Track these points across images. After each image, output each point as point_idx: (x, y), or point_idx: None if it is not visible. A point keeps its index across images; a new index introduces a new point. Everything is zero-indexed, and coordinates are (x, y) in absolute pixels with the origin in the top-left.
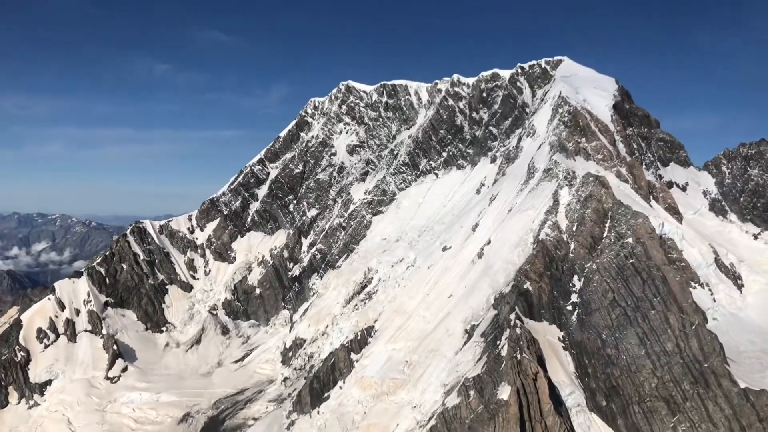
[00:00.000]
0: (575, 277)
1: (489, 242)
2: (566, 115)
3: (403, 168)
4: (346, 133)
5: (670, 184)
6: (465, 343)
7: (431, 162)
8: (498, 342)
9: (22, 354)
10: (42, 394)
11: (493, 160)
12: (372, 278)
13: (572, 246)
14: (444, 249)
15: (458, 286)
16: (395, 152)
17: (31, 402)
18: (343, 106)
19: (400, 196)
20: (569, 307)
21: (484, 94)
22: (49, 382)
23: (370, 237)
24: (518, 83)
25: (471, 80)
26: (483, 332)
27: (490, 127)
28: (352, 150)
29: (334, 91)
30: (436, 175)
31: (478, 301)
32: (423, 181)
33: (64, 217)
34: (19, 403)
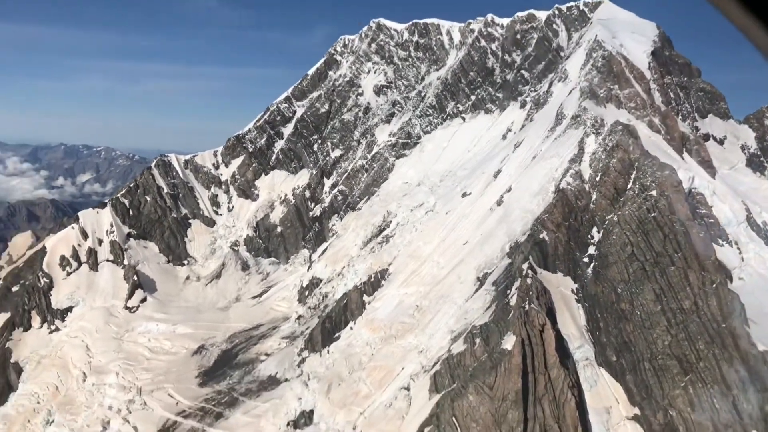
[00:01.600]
0: (594, 229)
1: (509, 190)
2: (600, 60)
3: (430, 110)
4: (374, 72)
5: (706, 137)
6: (476, 290)
7: (459, 105)
8: (508, 291)
9: (45, 280)
10: (63, 319)
11: (523, 105)
12: (390, 222)
13: (594, 197)
14: (464, 195)
15: (474, 233)
16: (422, 94)
17: (53, 327)
18: (373, 45)
19: (425, 140)
20: (585, 260)
21: (518, 36)
22: (70, 309)
23: (391, 180)
24: (554, 25)
25: (505, 21)
26: (495, 281)
27: (522, 71)
28: (379, 90)
29: (365, 28)
30: (463, 119)
31: (493, 249)
32: (449, 125)
33: (109, 150)
34: (41, 327)
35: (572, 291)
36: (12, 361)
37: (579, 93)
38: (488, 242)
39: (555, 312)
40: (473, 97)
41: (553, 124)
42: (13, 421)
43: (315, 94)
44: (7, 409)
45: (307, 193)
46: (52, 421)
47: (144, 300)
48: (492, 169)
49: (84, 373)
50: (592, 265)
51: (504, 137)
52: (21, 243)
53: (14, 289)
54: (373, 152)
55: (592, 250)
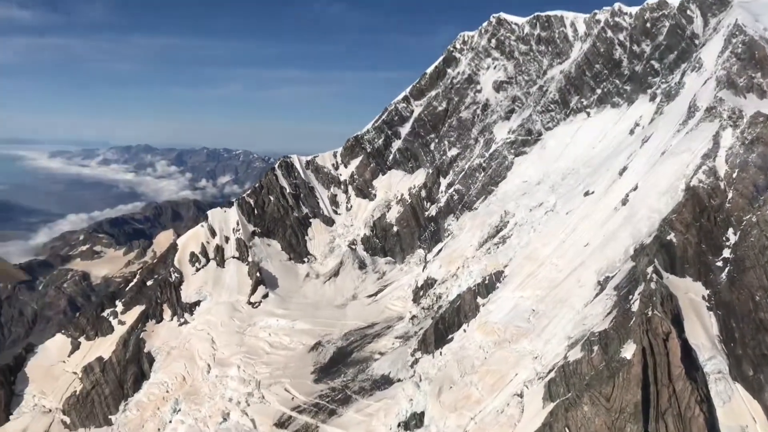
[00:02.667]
0: (730, 231)
1: (636, 188)
2: (740, 45)
3: (552, 106)
4: (494, 68)
5: None
6: (596, 295)
7: (583, 99)
8: (630, 297)
9: (176, 275)
10: (191, 313)
11: (653, 98)
12: (508, 222)
13: (730, 195)
14: (586, 194)
15: (596, 234)
16: (544, 89)
17: (182, 320)
18: (493, 40)
19: (546, 136)
20: (719, 264)
21: (648, 25)
22: (198, 303)
23: (510, 179)
24: (688, 11)
25: (634, 9)
26: (617, 285)
27: (652, 62)
28: (498, 86)
29: (485, 24)
30: (588, 113)
31: (616, 252)
32: (572, 120)
33: (247, 153)
34: (171, 319)
35: (703, 298)
36: (145, 351)
37: (715, 82)
38: (611, 244)
39: (682, 320)
40: (599, 91)
41: (685, 117)
42: (144, 407)
43: (433, 93)
44: (140, 396)
45: (423, 193)
46: (179, 410)
47: (266, 296)
48: (617, 166)
49: (209, 365)
50: (726, 269)
51: (631, 132)
52: (164, 240)
53: (149, 283)
54: (491, 150)
55: (726, 253)
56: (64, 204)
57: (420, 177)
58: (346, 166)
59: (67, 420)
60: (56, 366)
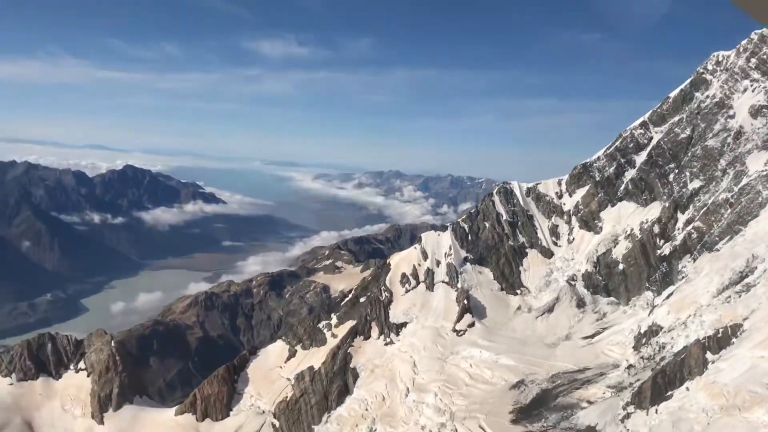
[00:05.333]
0: None
1: None
2: None
3: None
4: (752, 91)
5: None
6: None
7: None
8: None
9: (387, 294)
10: (397, 333)
11: None
12: (755, 267)
13: None
14: None
15: None
16: None
17: (388, 339)
18: (753, 60)
19: None
20: None
21: None
22: (404, 324)
23: (763, 218)
24: None
25: None
26: None
27: None
28: (756, 112)
29: (744, 42)
30: None
31: None
32: None
33: (489, 181)
34: (378, 338)
35: None
36: (351, 366)
37: None
38: None
39: None
40: None
41: None
42: (344, 423)
43: (676, 118)
44: (342, 410)
45: (657, 229)
46: (374, 430)
47: (472, 325)
48: None
49: (407, 388)
50: None
51: None
52: (395, 262)
53: (362, 299)
54: (741, 184)
55: None
56: (320, 222)
57: (654, 211)
58: (570, 195)
59: (277, 424)
60: (274, 370)
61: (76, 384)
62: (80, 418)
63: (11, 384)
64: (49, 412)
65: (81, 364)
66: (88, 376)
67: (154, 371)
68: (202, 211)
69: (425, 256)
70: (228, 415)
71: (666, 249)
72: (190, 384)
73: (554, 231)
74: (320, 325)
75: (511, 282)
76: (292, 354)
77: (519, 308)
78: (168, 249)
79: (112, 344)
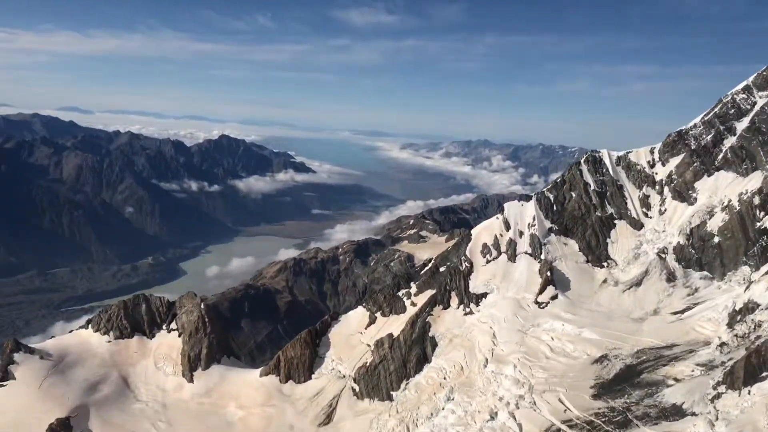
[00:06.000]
0: None
1: None
2: None
3: None
4: None
5: None
6: None
7: None
8: None
9: (467, 264)
10: (477, 304)
11: None
12: None
13: None
14: None
15: None
16: None
17: (467, 310)
18: None
19: None
20: None
21: None
22: (484, 295)
23: None
24: None
25: None
26: None
27: None
28: None
29: None
30: None
31: None
32: None
33: (582, 151)
34: (458, 308)
35: None
36: (430, 334)
37: None
38: None
39: None
40: None
41: None
42: (422, 390)
43: None
44: (420, 378)
45: (757, 200)
46: (452, 399)
47: (555, 297)
48: None
49: (486, 359)
50: None
51: None
52: (477, 232)
53: (442, 269)
54: None
55: None
56: (407, 191)
57: (755, 181)
58: (663, 165)
59: (357, 388)
60: (354, 336)
61: (167, 343)
62: (171, 376)
63: (109, 341)
64: (143, 369)
65: (173, 325)
66: (179, 336)
67: (246, 333)
68: (293, 180)
69: (507, 226)
70: (310, 378)
71: (766, 222)
72: (279, 346)
73: (645, 202)
74: (400, 294)
75: (597, 254)
76: (372, 321)
77: (605, 281)
78: (260, 216)
79: (202, 306)
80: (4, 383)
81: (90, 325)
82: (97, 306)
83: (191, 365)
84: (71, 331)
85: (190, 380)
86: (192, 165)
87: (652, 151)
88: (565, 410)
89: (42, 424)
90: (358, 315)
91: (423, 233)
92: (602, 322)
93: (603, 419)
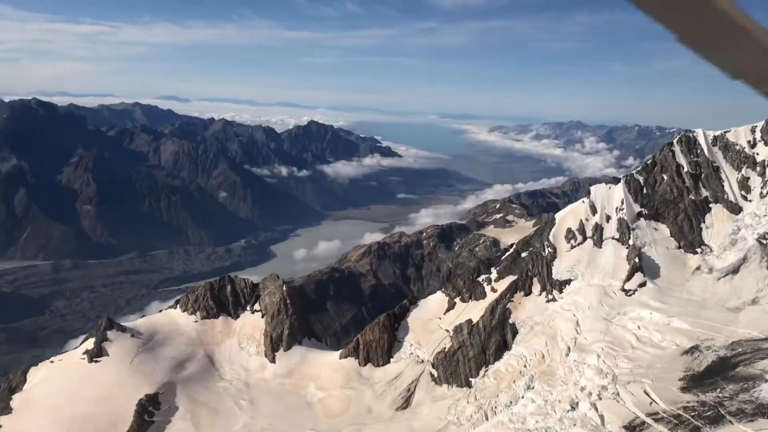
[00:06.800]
0: None
1: None
2: None
3: None
4: None
5: None
6: None
7: None
8: None
9: (550, 250)
10: (560, 291)
11: None
12: None
13: None
14: None
15: None
16: None
17: (550, 296)
18: None
19: None
20: None
21: None
22: (568, 282)
23: None
24: None
25: None
26: None
27: None
28: None
29: None
30: None
31: None
32: None
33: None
34: (540, 294)
35: None
36: (510, 321)
37: None
38: None
39: None
40: None
41: None
42: (501, 378)
43: None
44: (500, 365)
45: None
46: (532, 387)
47: (643, 284)
48: None
49: (568, 348)
50: None
51: None
52: (561, 216)
53: (524, 254)
54: None
55: None
56: (495, 175)
57: None
58: (766, 144)
59: (435, 373)
60: (432, 321)
61: (251, 324)
62: (254, 356)
63: (196, 321)
64: (227, 348)
65: (256, 306)
66: (262, 317)
67: (330, 315)
68: (379, 165)
69: (594, 210)
70: (388, 362)
71: None
72: (363, 329)
73: (744, 184)
74: (480, 279)
75: (690, 240)
76: (451, 306)
77: (698, 268)
78: (347, 200)
79: (284, 288)
80: (99, 359)
81: (178, 305)
82: (192, 287)
83: (273, 346)
84: (161, 311)
85: (272, 360)
86: (282, 150)
87: (753, 130)
88: (651, 402)
89: (132, 399)
90: (437, 300)
91: (509, 218)
92: (694, 311)
93: (692, 413)
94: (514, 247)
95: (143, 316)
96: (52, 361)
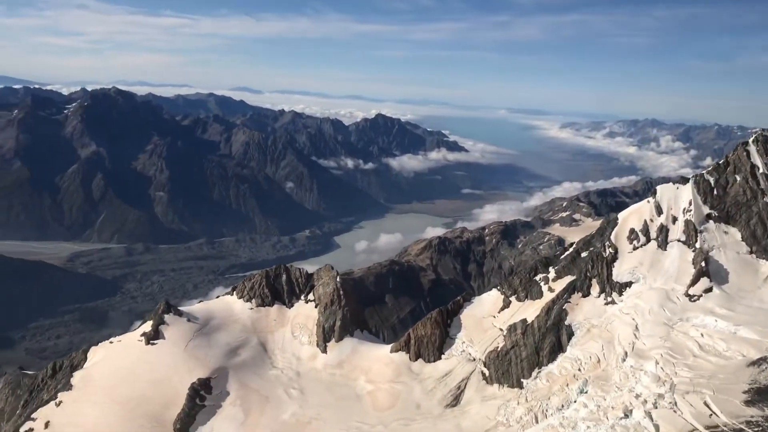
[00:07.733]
0: None
1: None
2: None
3: None
4: None
5: None
6: None
7: None
8: None
9: (611, 251)
10: (620, 293)
11: None
12: None
13: None
14: None
15: None
16: None
17: (609, 299)
18: None
19: None
20: None
21: None
22: (628, 284)
23: None
24: None
25: None
26: None
27: None
28: None
29: None
30: None
31: None
32: None
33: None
34: (598, 296)
35: None
36: (566, 323)
37: None
38: None
39: None
40: None
41: None
42: (554, 380)
43: None
44: (553, 367)
45: None
46: (585, 392)
47: (709, 290)
48: None
49: (625, 353)
50: None
51: None
52: (624, 216)
53: (583, 254)
54: None
55: None
56: (564, 172)
57: None
58: None
59: (486, 372)
60: (486, 319)
61: (304, 313)
62: (306, 345)
63: (251, 309)
64: (280, 337)
65: (310, 296)
66: (315, 307)
67: (389, 308)
68: (444, 159)
69: (659, 211)
70: (440, 358)
71: None
72: None
73: None
74: (537, 278)
75: (763, 245)
76: (506, 305)
77: None
78: (411, 194)
79: (337, 279)
80: (155, 342)
81: (234, 292)
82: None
83: (325, 336)
84: (218, 297)
85: (324, 351)
86: (349, 143)
87: None
88: (711, 415)
89: (185, 382)
90: (491, 298)
91: (576, 216)
92: (764, 320)
93: (756, 429)
94: (574, 246)
95: (200, 301)
96: (111, 342)
